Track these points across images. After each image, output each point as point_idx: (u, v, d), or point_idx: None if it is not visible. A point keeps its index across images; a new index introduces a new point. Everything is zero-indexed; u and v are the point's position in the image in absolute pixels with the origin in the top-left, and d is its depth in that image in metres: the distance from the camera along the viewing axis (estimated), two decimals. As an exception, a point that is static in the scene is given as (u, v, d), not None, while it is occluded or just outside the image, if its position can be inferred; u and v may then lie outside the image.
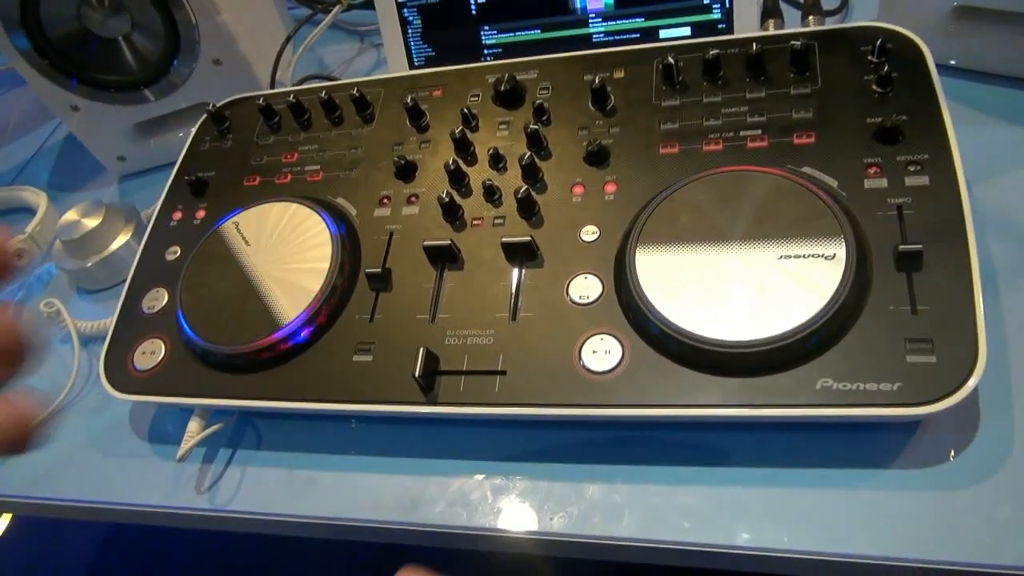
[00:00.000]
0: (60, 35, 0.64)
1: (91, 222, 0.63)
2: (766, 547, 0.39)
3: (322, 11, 0.77)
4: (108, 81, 0.67)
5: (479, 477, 0.45)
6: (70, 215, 0.64)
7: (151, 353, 0.51)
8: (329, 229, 0.50)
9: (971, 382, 0.37)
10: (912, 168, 0.43)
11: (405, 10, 0.65)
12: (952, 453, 0.40)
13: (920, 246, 0.40)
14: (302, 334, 0.48)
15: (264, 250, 0.51)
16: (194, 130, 0.61)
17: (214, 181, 0.58)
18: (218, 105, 0.60)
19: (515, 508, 0.44)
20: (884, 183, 0.43)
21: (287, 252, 0.51)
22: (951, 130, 0.44)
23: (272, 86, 0.69)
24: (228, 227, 0.53)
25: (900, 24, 0.49)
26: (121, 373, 0.51)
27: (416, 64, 0.67)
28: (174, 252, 0.55)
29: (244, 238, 0.52)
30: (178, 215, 0.57)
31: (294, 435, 0.50)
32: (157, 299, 0.53)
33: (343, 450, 0.48)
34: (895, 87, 0.46)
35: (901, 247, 0.40)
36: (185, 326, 0.50)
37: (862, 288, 0.40)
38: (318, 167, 0.55)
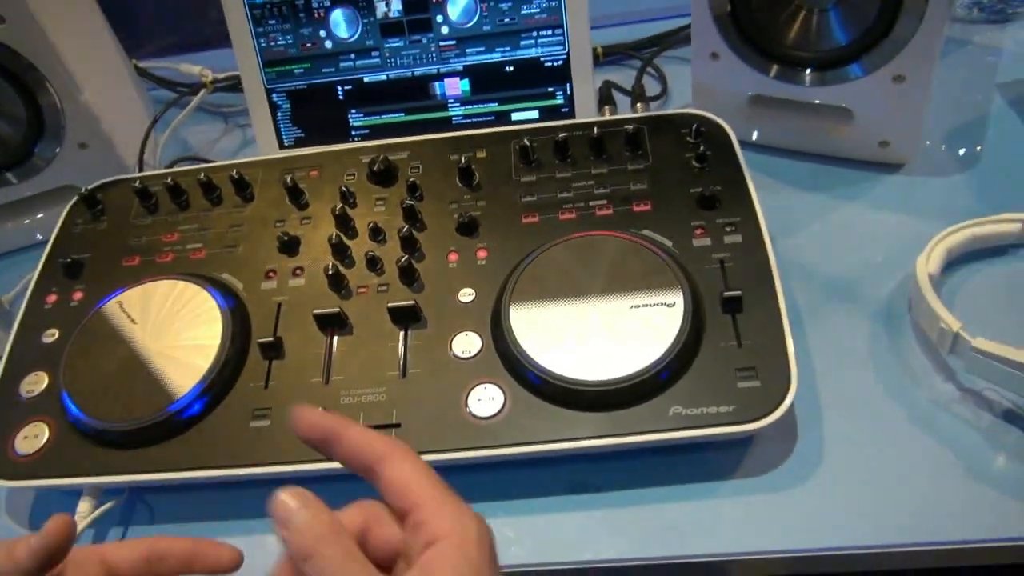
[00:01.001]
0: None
1: (-52, 310, 0.61)
2: (639, 556, 0.45)
3: (187, 94, 0.79)
4: (-35, 167, 0.65)
5: (378, 526, 0.48)
6: (-78, 304, 0.61)
7: (34, 436, 0.50)
8: (218, 303, 0.53)
9: (787, 400, 0.45)
10: (728, 229, 0.52)
11: (274, 95, 0.69)
12: (779, 461, 0.48)
13: (740, 292, 0.48)
14: (196, 406, 0.50)
15: (152, 327, 0.52)
16: (64, 212, 0.62)
17: (90, 263, 0.58)
18: (90, 188, 0.61)
19: (415, 551, 0.47)
20: (708, 241, 0.52)
21: (176, 327, 0.52)
22: (755, 197, 0.53)
23: (140, 168, 0.70)
24: (112, 306, 0.54)
25: (710, 109, 0.59)
26: (1, 459, 0.50)
27: (286, 144, 0.71)
28: (52, 335, 0.55)
29: (130, 316, 0.53)
30: (53, 297, 0.57)
31: (189, 507, 0.51)
32: (36, 383, 0.53)
33: (244, 515, 0.50)
34: (710, 162, 0.55)
35: (725, 293, 0.48)
36: (71, 406, 0.50)
37: (698, 329, 0.48)
38: (200, 245, 0.58)
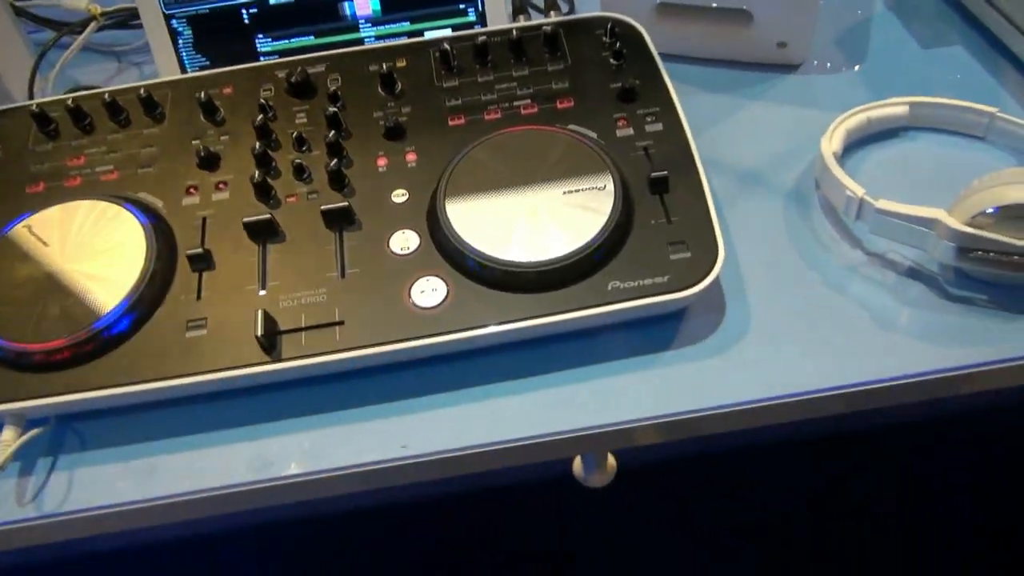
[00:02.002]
0: None
1: None
2: (591, 425, 0.47)
3: (68, 33, 0.74)
4: None
5: (329, 428, 0.48)
6: None
7: (-58, 370, 0.47)
8: (138, 219, 0.51)
9: (717, 265, 0.48)
10: (649, 119, 0.54)
11: (173, 21, 0.66)
12: (711, 331, 0.50)
13: (665, 172, 0.50)
14: (124, 322, 0.48)
15: (68, 249, 0.50)
16: (-48, 145, 0.57)
17: (-12, 193, 0.55)
18: (-21, 117, 0.57)
19: (367, 446, 0.47)
20: (631, 131, 0.54)
21: (93, 247, 0.50)
22: (672, 88, 0.56)
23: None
24: (19, 231, 0.51)
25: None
26: (-94, 397, 0.46)
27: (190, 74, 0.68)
28: (-49, 268, 0.51)
29: (41, 239, 0.50)
30: (-52, 231, 0.53)
31: (123, 430, 0.49)
32: (-61, 317, 0.49)
33: (182, 432, 0.49)
34: (626, 59, 0.57)
35: (652, 174, 0.50)
36: (-16, 334, 0.47)
37: (629, 209, 0.50)
38: (111, 167, 0.55)
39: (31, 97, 0.68)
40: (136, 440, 0.49)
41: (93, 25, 0.73)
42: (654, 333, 0.50)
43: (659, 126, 0.54)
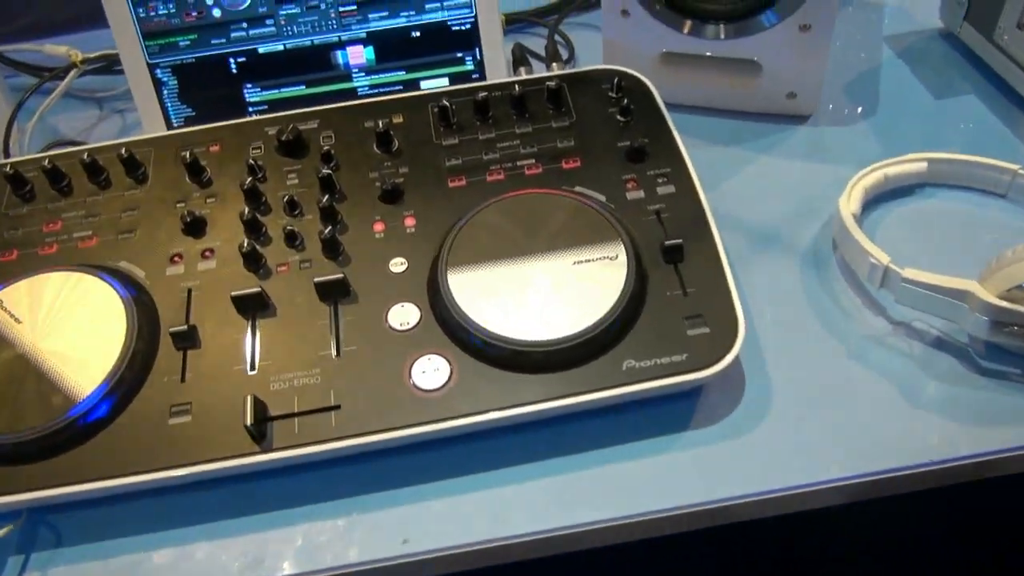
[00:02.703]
0: None
1: None
2: (603, 519, 0.43)
3: (53, 78, 0.71)
4: None
5: (324, 521, 0.45)
6: None
7: (-98, 462, 0.43)
8: (118, 293, 0.47)
9: (738, 343, 0.45)
10: (660, 180, 0.52)
11: (158, 71, 0.63)
12: (730, 409, 0.47)
13: (680, 240, 0.48)
14: (102, 407, 0.44)
15: (42, 326, 0.46)
16: (-81, 208, 0.54)
17: (-43, 261, 0.51)
18: (-51, 178, 0.54)
19: (365, 540, 0.44)
20: (641, 194, 0.51)
21: (70, 324, 0.46)
22: (683, 147, 0.53)
23: (6, 158, 0.63)
24: (-11, 307, 0.47)
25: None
26: None
27: (175, 125, 0.65)
28: (-85, 345, 0.48)
29: (13, 315, 0.47)
30: (-87, 304, 0.49)
31: (102, 523, 0.45)
32: (-99, 401, 0.45)
33: (168, 525, 0.45)
34: (634, 116, 0.55)
35: (666, 243, 0.48)
36: (-51, 423, 0.43)
37: (643, 280, 0.47)
38: (90, 233, 0.52)
39: (6, 148, 0.65)
40: (116, 535, 0.45)
41: (74, 72, 0.70)
42: (669, 412, 0.47)
43: (671, 188, 0.51)
